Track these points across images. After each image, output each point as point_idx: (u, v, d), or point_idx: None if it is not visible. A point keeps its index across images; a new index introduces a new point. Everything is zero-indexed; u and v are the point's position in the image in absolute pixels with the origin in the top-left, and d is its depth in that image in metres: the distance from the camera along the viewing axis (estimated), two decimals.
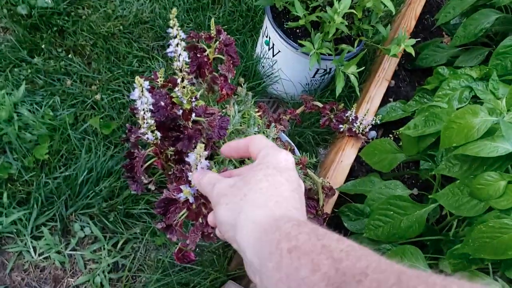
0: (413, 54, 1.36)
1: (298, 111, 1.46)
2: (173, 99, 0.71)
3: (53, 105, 1.48)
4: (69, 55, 1.60)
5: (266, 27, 1.56)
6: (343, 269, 0.31)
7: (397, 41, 1.37)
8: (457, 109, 1.19)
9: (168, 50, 0.58)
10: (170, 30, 0.55)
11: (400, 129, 1.12)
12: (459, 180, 0.91)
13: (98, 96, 1.50)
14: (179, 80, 0.64)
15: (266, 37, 1.59)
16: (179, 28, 0.54)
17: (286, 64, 1.60)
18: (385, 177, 1.36)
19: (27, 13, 1.57)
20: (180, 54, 0.58)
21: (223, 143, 0.97)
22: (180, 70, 0.61)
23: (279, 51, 1.57)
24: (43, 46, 1.57)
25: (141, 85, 0.59)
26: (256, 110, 1.22)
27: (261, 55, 1.69)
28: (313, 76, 1.62)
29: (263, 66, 1.71)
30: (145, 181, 0.91)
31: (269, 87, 1.75)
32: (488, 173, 0.82)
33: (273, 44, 1.57)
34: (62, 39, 1.63)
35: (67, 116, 1.42)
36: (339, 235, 0.35)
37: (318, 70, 1.57)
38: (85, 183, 1.35)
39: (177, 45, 0.57)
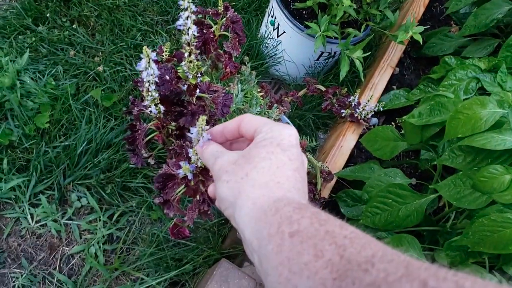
0: (421, 41, 1.34)
1: (300, 93, 1.45)
2: (178, 74, 0.71)
3: (56, 74, 1.46)
4: (74, 25, 1.58)
5: (272, 7, 1.54)
6: (348, 257, 0.30)
7: (405, 27, 1.35)
8: (463, 100, 1.19)
9: (178, 23, 0.57)
10: (181, 2, 0.54)
11: (404, 117, 1.12)
12: (461, 172, 0.90)
13: (100, 68, 1.48)
14: (186, 54, 0.63)
15: (272, 17, 1.57)
16: (190, 1, 0.53)
17: (290, 45, 1.59)
18: (385, 164, 1.36)
19: None
20: (189, 28, 0.57)
21: (224, 121, 0.97)
22: (188, 44, 0.61)
23: (284, 32, 1.55)
24: (48, 15, 1.55)
25: (148, 56, 0.58)
26: (259, 90, 1.22)
27: (266, 35, 1.68)
28: (317, 59, 1.60)
29: (266, 46, 1.69)
30: (145, 155, 0.91)
31: (272, 68, 1.73)
32: (493, 166, 0.81)
33: (278, 25, 1.55)
34: (67, 9, 1.61)
35: (69, 86, 1.41)
36: (341, 220, 0.34)
37: (322, 53, 1.56)
38: (84, 154, 1.35)
39: (187, 18, 0.56)
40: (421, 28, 1.33)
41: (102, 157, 1.36)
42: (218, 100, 0.74)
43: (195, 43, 0.61)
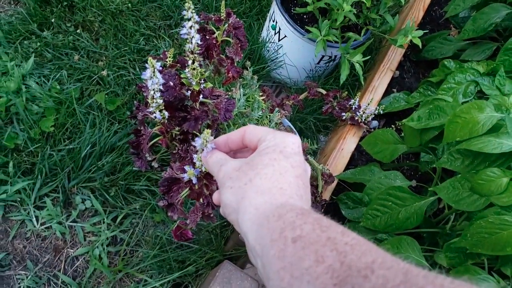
0: (420, 45, 1.36)
1: (301, 97, 1.47)
2: (182, 80, 0.72)
3: (60, 79, 1.49)
4: (78, 30, 1.61)
5: (274, 11, 1.56)
6: (348, 263, 0.31)
7: (405, 32, 1.37)
8: (462, 103, 1.21)
9: (182, 32, 0.58)
10: (184, 12, 0.55)
11: (403, 120, 1.13)
12: (460, 174, 0.92)
13: (104, 72, 1.50)
14: (190, 62, 0.65)
15: (273, 21, 1.59)
16: (194, 11, 0.55)
17: (291, 49, 1.61)
18: (385, 167, 1.38)
19: None
20: (193, 37, 0.59)
21: (227, 125, 0.99)
22: (192, 52, 0.62)
23: (285, 36, 1.57)
24: (52, 20, 1.58)
25: (153, 66, 0.60)
26: (260, 94, 1.23)
27: (267, 39, 1.69)
28: (318, 63, 1.62)
29: (268, 50, 1.71)
30: (149, 158, 0.93)
31: (273, 72, 1.75)
32: (490, 169, 0.83)
33: (280, 29, 1.56)
34: (72, 14, 1.63)
35: (73, 91, 1.43)
36: (344, 227, 0.35)
37: (323, 57, 1.58)
38: (88, 157, 1.37)
39: (190, 27, 0.57)
40: (420, 32, 1.34)
41: (106, 160, 1.38)
42: (220, 106, 0.76)
43: (198, 51, 0.63)
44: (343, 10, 1.20)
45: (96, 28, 1.63)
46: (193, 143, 0.57)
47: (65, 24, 1.61)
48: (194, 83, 0.69)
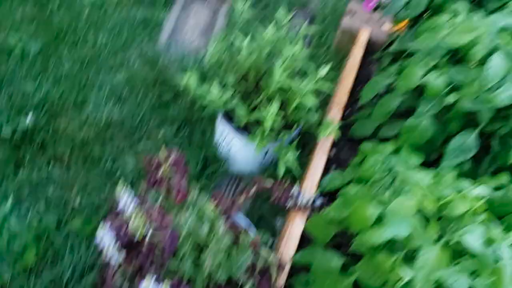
0: (339, 136, 1.63)
1: (251, 192, 1.69)
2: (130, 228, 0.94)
3: (38, 211, 1.68)
4: (50, 164, 1.83)
5: (220, 120, 1.84)
6: None
7: (325, 126, 1.64)
8: (377, 180, 1.45)
9: (119, 206, 0.81)
10: (118, 197, 0.78)
11: (325, 211, 1.36)
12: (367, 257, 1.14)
13: (77, 198, 1.72)
14: (131, 220, 0.87)
15: (221, 127, 1.86)
16: (129, 192, 0.78)
17: (240, 148, 1.87)
18: (330, 242, 1.58)
19: (11, 135, 1.81)
20: (129, 207, 0.82)
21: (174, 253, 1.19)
22: (133, 213, 0.85)
23: (233, 139, 1.83)
24: (27, 160, 1.80)
25: (103, 229, 0.82)
26: (212, 199, 1.45)
27: (219, 142, 1.96)
28: (265, 156, 1.88)
29: (222, 151, 1.97)
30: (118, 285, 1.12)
31: (230, 168, 2.00)
32: (380, 254, 1.06)
33: (227, 133, 1.83)
34: (43, 151, 1.87)
35: (50, 222, 1.63)
36: None
37: (267, 151, 1.83)
38: (70, 279, 1.55)
39: (124, 204, 0.80)
40: (336, 126, 1.62)
41: (87, 278, 1.56)
42: (165, 241, 0.98)
43: (139, 212, 0.86)
44: (266, 124, 1.47)
45: (66, 159, 1.86)
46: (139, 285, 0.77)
47: (39, 160, 1.83)
48: (138, 233, 0.91)
